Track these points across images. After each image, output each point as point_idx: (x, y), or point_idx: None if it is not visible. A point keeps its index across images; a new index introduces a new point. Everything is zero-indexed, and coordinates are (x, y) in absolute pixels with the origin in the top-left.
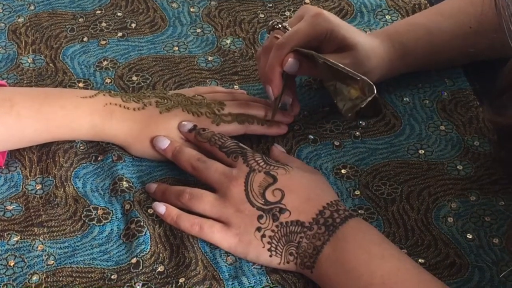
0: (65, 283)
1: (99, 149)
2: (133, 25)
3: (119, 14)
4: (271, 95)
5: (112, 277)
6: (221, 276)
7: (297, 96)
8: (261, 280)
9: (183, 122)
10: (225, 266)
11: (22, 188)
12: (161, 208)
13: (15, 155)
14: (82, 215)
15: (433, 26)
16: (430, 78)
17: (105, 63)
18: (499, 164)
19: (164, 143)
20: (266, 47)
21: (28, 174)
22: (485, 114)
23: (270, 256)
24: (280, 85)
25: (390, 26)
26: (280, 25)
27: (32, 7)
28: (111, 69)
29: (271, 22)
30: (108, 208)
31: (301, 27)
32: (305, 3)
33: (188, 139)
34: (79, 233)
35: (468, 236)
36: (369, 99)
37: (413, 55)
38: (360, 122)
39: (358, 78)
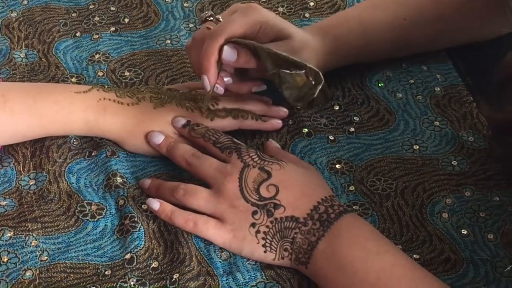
0: (59, 279)
1: (93, 145)
2: (126, 20)
3: (112, 8)
4: (207, 85)
5: (106, 273)
6: (215, 272)
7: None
8: (256, 275)
9: (176, 118)
10: (220, 262)
11: (16, 184)
12: (155, 204)
13: (9, 150)
14: (76, 211)
15: (367, 18)
16: (421, 74)
17: (97, 56)
18: (494, 160)
19: (159, 138)
20: (198, 38)
21: (21, 170)
22: (482, 111)
23: (265, 252)
24: (215, 74)
25: (324, 20)
26: (212, 17)
27: (25, 2)
28: (104, 62)
29: (204, 13)
30: (102, 203)
31: (235, 17)
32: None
33: (181, 134)
34: (73, 228)
35: (463, 232)
36: (319, 87)
37: (347, 47)
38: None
39: (304, 66)
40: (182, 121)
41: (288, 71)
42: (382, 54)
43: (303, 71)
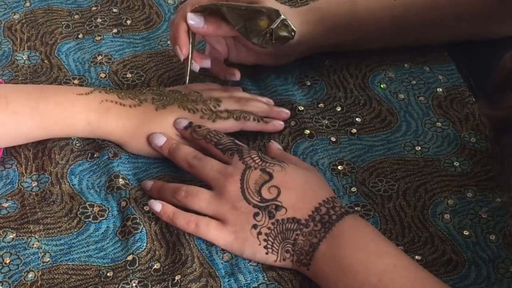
0: (61, 280)
1: (95, 146)
2: (129, 22)
3: (114, 10)
4: (179, 54)
5: (108, 274)
6: (217, 273)
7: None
8: (257, 277)
9: (178, 119)
10: (221, 263)
11: (18, 185)
12: (157, 206)
13: (11, 152)
14: (78, 212)
15: None
16: (423, 75)
17: (99, 58)
18: (496, 161)
19: (161, 140)
20: (174, 19)
21: (24, 171)
22: (480, 108)
23: (266, 253)
24: (187, 42)
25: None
26: None
27: (27, 4)
28: (106, 64)
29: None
30: (104, 205)
31: None
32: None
33: (183, 136)
34: (75, 230)
35: (464, 233)
36: (279, 20)
37: (334, 19)
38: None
39: (264, 9)
40: (184, 122)
41: (253, 21)
42: (373, 36)
43: (265, 14)
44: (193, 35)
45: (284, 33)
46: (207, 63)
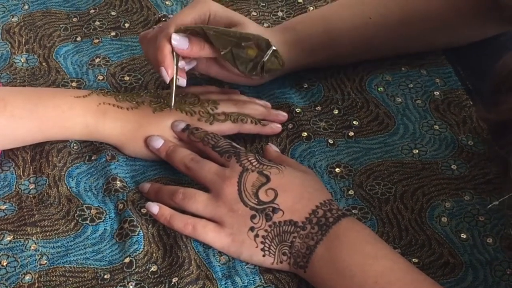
0: (58, 282)
1: (93, 149)
2: (127, 25)
3: (113, 13)
4: (165, 76)
5: (105, 276)
6: (214, 276)
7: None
8: (255, 279)
9: (176, 122)
10: (219, 265)
11: (15, 188)
12: (154, 208)
13: (9, 154)
14: (76, 215)
15: (331, 14)
16: (420, 78)
17: (97, 60)
18: (493, 164)
19: (158, 143)
20: (151, 37)
21: (21, 174)
22: (477, 112)
23: (263, 256)
24: (172, 64)
25: (286, 21)
26: (165, 18)
27: (26, 7)
28: (104, 66)
29: (157, 14)
30: (101, 207)
31: (183, 9)
32: (298, 2)
33: (181, 138)
34: (72, 232)
35: (462, 236)
36: (270, 52)
37: (309, 41)
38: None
39: (253, 37)
40: (182, 125)
41: (240, 48)
42: (349, 54)
43: (253, 42)
44: (176, 55)
45: (275, 66)
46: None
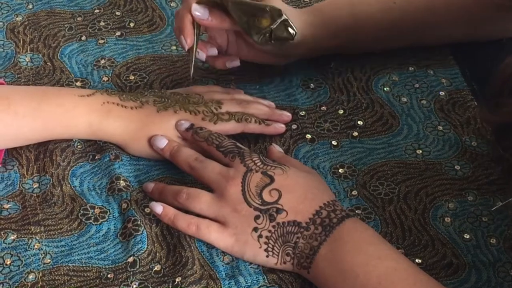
0: (62, 281)
1: (97, 148)
2: (132, 24)
3: (117, 13)
4: (184, 44)
5: (109, 276)
6: (217, 276)
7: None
8: (258, 279)
9: (180, 121)
10: (222, 265)
11: (19, 187)
12: (158, 208)
13: (12, 153)
14: (79, 214)
15: None
16: (427, 78)
17: (102, 61)
18: (497, 164)
19: (162, 143)
20: (178, 10)
21: (25, 173)
22: (479, 113)
23: (267, 256)
24: (191, 33)
25: (315, 3)
26: None
27: (30, 6)
28: (109, 67)
29: None
30: (105, 207)
31: None
32: (303, 0)
33: (185, 138)
34: (76, 232)
35: (465, 236)
36: (280, 20)
37: (335, 23)
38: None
39: (267, 7)
40: (186, 124)
41: (256, 18)
42: (373, 38)
43: (268, 12)
44: (198, 26)
45: (284, 34)
46: (213, 51)
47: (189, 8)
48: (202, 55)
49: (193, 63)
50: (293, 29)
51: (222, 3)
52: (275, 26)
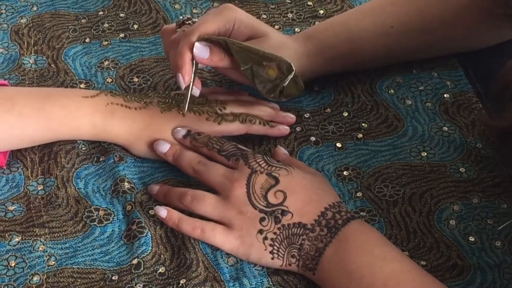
0: (66, 284)
1: (101, 150)
2: (135, 26)
3: (121, 15)
4: (181, 83)
5: (113, 278)
6: (222, 278)
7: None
8: (262, 281)
9: (176, 129)
10: (226, 267)
11: (24, 189)
12: (162, 212)
13: (17, 155)
14: (84, 216)
15: (353, 23)
16: (431, 81)
17: (106, 63)
18: (501, 167)
19: (165, 147)
20: (174, 40)
21: (29, 175)
22: (481, 117)
23: (272, 258)
24: (190, 71)
25: (309, 28)
26: (189, 21)
27: (35, 8)
28: (112, 69)
29: (181, 17)
30: (109, 209)
31: (208, 16)
32: (307, 5)
33: (183, 145)
34: (80, 234)
35: (470, 239)
36: (290, 77)
37: (332, 51)
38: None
39: (275, 58)
40: (182, 131)
41: (261, 67)
42: (369, 62)
43: (275, 63)
44: (195, 63)
45: (293, 91)
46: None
47: (189, 45)
48: (196, 91)
49: (188, 100)
50: (301, 85)
51: (226, 45)
52: (286, 83)
